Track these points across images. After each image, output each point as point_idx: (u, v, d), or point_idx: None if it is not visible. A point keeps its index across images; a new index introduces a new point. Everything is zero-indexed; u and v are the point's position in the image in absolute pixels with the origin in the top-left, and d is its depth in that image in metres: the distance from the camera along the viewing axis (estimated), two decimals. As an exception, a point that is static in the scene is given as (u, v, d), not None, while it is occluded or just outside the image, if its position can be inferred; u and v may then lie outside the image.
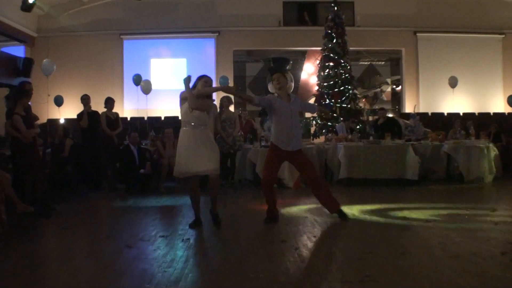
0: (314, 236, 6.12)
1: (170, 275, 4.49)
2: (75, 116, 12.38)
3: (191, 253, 5.30)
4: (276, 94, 7.23)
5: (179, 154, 6.73)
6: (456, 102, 19.03)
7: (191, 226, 6.78)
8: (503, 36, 19.97)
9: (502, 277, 4.27)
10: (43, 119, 16.84)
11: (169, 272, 4.60)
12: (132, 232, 6.60)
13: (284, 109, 7.06)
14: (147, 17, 19.26)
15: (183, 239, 5.98)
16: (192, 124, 6.68)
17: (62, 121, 17.10)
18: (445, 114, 18.91)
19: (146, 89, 17.93)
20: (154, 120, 17.89)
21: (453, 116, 17.76)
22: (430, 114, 18.86)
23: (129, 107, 19.06)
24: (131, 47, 19.74)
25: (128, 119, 18.07)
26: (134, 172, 11.18)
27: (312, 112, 7.64)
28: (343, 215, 7.17)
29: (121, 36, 19.62)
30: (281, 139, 7.06)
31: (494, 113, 19.18)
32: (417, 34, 19.97)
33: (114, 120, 11.91)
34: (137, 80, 18.09)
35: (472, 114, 18.78)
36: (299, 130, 7.29)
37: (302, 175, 7.17)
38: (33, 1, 15.39)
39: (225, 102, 11.97)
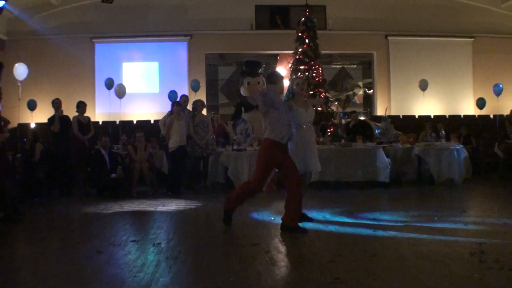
0: (285, 239, 6.13)
1: (141, 280, 4.47)
2: (46, 121, 12.26)
3: (162, 258, 5.28)
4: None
5: (296, 152, 7.05)
6: (427, 105, 19.19)
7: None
8: (473, 39, 20.18)
9: (470, 278, 4.34)
10: (13, 124, 16.59)
11: (140, 276, 4.58)
12: (103, 237, 6.57)
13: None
14: (118, 21, 19.06)
15: (154, 244, 5.96)
16: (304, 127, 7.12)
17: (33, 125, 16.89)
18: (416, 117, 19.08)
19: (120, 92, 17.73)
20: (126, 124, 17.74)
21: (424, 118, 17.91)
22: (401, 117, 19.02)
23: (100, 111, 18.87)
24: (103, 51, 19.50)
25: (100, 123, 17.90)
26: (106, 177, 11.10)
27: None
28: (296, 230, 6.56)
29: (93, 40, 19.38)
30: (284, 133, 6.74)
31: (465, 116, 19.38)
32: (388, 38, 20.07)
33: (86, 124, 11.85)
34: (110, 84, 17.90)
35: (443, 116, 18.95)
36: None
37: (287, 176, 6.69)
38: (3, 4, 15.20)
39: (199, 106, 11.97)
